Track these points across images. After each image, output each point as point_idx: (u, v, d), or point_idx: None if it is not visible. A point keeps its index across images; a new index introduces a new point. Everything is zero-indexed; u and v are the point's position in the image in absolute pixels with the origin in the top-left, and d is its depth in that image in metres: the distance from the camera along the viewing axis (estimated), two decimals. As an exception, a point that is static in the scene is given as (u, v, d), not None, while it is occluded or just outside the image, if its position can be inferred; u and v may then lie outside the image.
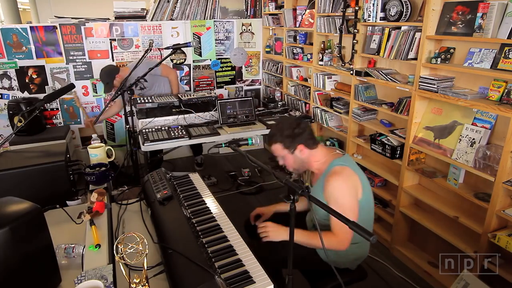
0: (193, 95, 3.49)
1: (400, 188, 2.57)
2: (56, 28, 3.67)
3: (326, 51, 3.37)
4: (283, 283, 1.27)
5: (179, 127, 3.13)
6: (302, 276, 1.81)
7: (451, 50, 2.19)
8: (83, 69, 3.87)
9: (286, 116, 1.71)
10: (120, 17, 3.90)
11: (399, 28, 2.46)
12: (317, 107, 3.53)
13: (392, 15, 2.46)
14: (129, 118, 2.77)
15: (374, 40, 2.69)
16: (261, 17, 4.48)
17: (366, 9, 2.68)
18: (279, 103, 3.95)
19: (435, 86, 2.20)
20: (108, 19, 3.96)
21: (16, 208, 1.15)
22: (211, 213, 1.62)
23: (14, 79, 3.68)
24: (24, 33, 3.59)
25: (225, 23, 4.31)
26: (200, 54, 4.28)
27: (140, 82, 2.97)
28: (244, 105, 3.41)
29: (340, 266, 1.72)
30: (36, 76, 3.74)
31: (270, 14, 4.29)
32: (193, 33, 4.19)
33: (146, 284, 1.16)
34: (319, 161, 1.72)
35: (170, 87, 3.69)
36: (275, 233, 1.64)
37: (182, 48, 4.09)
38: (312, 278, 1.77)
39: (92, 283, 1.12)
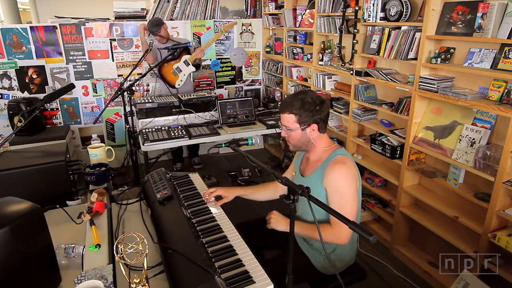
0: (193, 95, 3.49)
1: (400, 188, 2.57)
2: (56, 28, 3.67)
3: (326, 51, 3.37)
4: (283, 283, 1.27)
5: (179, 127, 3.13)
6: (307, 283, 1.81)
7: (451, 50, 2.19)
8: (83, 69, 3.87)
9: (310, 90, 1.62)
10: (120, 17, 3.90)
11: (399, 28, 2.46)
12: (317, 107, 3.53)
13: (392, 15, 2.46)
14: (129, 118, 2.77)
15: (374, 40, 2.69)
16: (261, 17, 4.48)
17: (366, 9, 2.68)
18: (279, 103, 3.95)
19: (435, 86, 2.20)
20: (108, 19, 3.96)
21: (16, 208, 1.15)
22: (211, 213, 1.62)
23: (14, 79, 3.68)
24: (24, 33, 3.59)
25: (225, 23, 4.31)
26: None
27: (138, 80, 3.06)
28: (244, 105, 3.41)
29: (338, 268, 1.71)
30: (36, 76, 3.74)
31: (270, 14, 4.29)
32: (193, 33, 4.19)
33: (146, 284, 1.16)
34: (323, 147, 1.67)
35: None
36: (276, 222, 1.62)
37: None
38: (311, 279, 1.77)
39: (92, 283, 1.12)
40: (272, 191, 1.93)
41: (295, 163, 1.87)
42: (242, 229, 1.48)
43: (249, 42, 4.52)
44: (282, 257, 1.73)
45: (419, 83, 2.30)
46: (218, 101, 3.31)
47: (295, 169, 1.84)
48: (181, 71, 3.67)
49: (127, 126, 2.79)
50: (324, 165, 1.62)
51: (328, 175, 1.57)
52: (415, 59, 2.34)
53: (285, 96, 4.09)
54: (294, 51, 3.84)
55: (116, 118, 4.13)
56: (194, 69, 3.72)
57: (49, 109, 3.88)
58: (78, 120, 4.02)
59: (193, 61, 3.66)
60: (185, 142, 3.02)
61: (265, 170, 1.38)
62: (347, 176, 1.55)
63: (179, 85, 3.70)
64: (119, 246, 1.15)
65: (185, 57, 3.65)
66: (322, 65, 3.35)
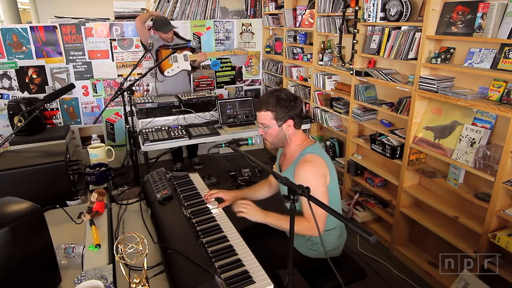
0: (193, 95, 3.49)
1: (400, 188, 2.57)
2: (56, 28, 3.67)
3: (326, 51, 3.36)
4: (282, 283, 1.27)
5: (179, 127, 3.13)
6: (301, 277, 1.81)
7: (451, 50, 2.19)
8: (83, 69, 3.87)
9: (282, 88, 1.68)
10: (120, 17, 3.90)
11: (399, 28, 2.46)
12: (317, 107, 3.53)
13: (392, 15, 2.46)
14: (129, 118, 2.77)
15: (374, 40, 2.69)
16: (261, 17, 4.48)
17: (366, 9, 2.68)
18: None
19: (435, 86, 2.20)
20: (108, 19, 3.96)
21: (16, 208, 1.15)
22: (211, 213, 1.62)
23: (14, 79, 3.68)
24: (24, 33, 3.59)
25: (225, 23, 4.31)
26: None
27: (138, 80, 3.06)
28: (244, 105, 3.41)
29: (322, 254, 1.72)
30: (36, 76, 3.74)
31: (270, 14, 4.29)
32: (193, 33, 4.19)
33: (146, 284, 1.16)
34: (296, 145, 1.72)
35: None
36: (253, 212, 1.60)
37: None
38: (311, 279, 1.77)
39: (92, 283, 1.12)
40: (267, 188, 1.97)
41: (277, 156, 1.94)
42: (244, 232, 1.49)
43: (249, 42, 4.52)
44: (266, 245, 1.75)
45: (419, 83, 2.30)
46: (218, 101, 3.31)
47: (276, 163, 1.92)
48: (176, 61, 3.64)
49: (127, 126, 2.78)
50: (295, 163, 1.67)
51: (296, 174, 1.61)
52: (415, 59, 2.34)
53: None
54: (294, 51, 3.84)
55: (116, 118, 4.13)
56: (189, 67, 3.71)
57: (49, 109, 3.88)
58: (78, 120, 4.02)
59: (192, 61, 3.66)
60: (185, 142, 3.02)
61: (265, 170, 1.38)
62: (313, 174, 1.58)
63: (168, 72, 3.64)
64: (119, 246, 1.15)
65: (187, 52, 3.65)
66: (322, 65, 3.35)
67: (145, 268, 1.16)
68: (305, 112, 3.71)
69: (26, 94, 3.74)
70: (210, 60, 4.20)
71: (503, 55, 1.87)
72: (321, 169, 1.62)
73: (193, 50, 3.70)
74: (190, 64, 3.68)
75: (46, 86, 3.79)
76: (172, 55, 3.41)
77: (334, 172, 1.70)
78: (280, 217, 1.63)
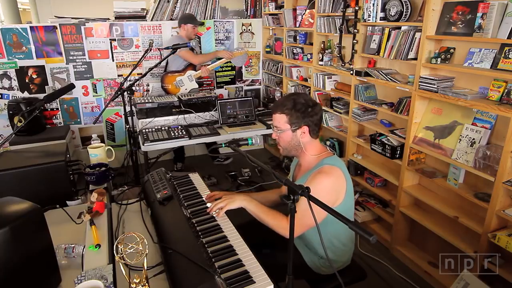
0: (193, 95, 3.49)
1: (400, 188, 2.57)
2: (56, 28, 3.67)
3: (326, 51, 3.37)
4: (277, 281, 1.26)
5: (179, 127, 3.13)
6: (305, 282, 1.80)
7: (451, 50, 2.19)
8: (83, 69, 3.87)
9: (303, 92, 1.57)
10: (120, 17, 3.90)
11: (399, 28, 2.46)
12: (317, 107, 3.53)
13: (392, 15, 2.46)
14: (129, 118, 2.77)
15: (374, 40, 2.69)
16: (261, 17, 4.48)
17: (366, 9, 2.68)
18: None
19: (435, 86, 2.20)
20: (108, 19, 3.96)
21: (16, 208, 1.15)
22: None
23: (14, 79, 3.68)
24: (24, 33, 3.59)
25: (225, 23, 4.30)
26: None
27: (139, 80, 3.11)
28: (244, 105, 3.41)
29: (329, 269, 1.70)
30: (36, 76, 3.74)
31: (270, 14, 4.29)
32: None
33: (146, 284, 1.16)
34: (313, 154, 1.63)
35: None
36: (231, 201, 1.53)
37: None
38: (312, 282, 1.77)
39: (92, 283, 1.12)
40: (275, 195, 1.90)
41: (291, 167, 1.87)
42: (242, 229, 1.48)
43: (249, 42, 4.52)
44: (276, 255, 1.71)
45: (419, 83, 2.30)
46: (218, 101, 3.31)
47: (290, 174, 1.85)
48: (183, 85, 3.74)
49: (127, 126, 2.79)
50: (309, 172, 1.59)
51: (309, 181, 1.52)
52: (415, 59, 2.34)
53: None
54: (294, 51, 3.84)
55: (116, 118, 4.14)
56: (196, 85, 3.80)
57: (49, 109, 3.88)
58: (78, 120, 4.02)
59: (197, 78, 3.75)
60: (185, 142, 3.02)
61: (265, 170, 1.37)
62: (324, 187, 1.48)
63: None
64: (119, 246, 1.15)
65: (190, 72, 3.73)
66: (322, 65, 3.35)
67: (145, 268, 1.16)
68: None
69: (26, 94, 3.74)
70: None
71: (503, 55, 1.87)
72: (336, 184, 1.52)
73: (194, 67, 3.78)
74: (196, 81, 3.77)
75: (46, 86, 3.79)
76: (177, 81, 3.69)
77: (351, 188, 1.60)
78: (263, 207, 1.56)
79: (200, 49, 4.17)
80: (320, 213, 1.36)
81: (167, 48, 3.07)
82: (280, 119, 1.59)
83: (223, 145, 1.66)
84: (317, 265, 1.69)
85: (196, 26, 3.73)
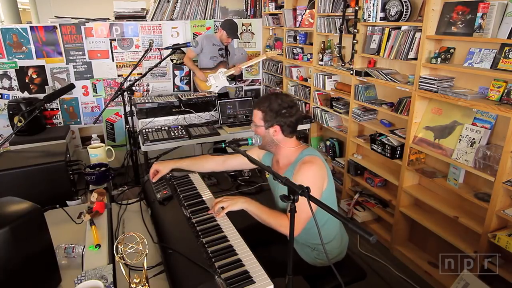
0: (193, 95, 3.49)
1: (400, 188, 2.57)
2: (56, 28, 3.67)
3: (326, 51, 3.37)
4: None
5: (179, 127, 3.13)
6: (301, 277, 1.81)
7: (451, 50, 2.19)
8: (83, 69, 3.87)
9: (287, 94, 1.66)
10: (120, 17, 3.90)
11: (399, 28, 2.46)
12: (317, 107, 3.53)
13: (392, 15, 2.46)
14: (129, 118, 2.77)
15: (374, 40, 2.69)
16: (261, 17, 4.48)
17: (366, 9, 2.68)
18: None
19: (435, 86, 2.20)
20: (108, 19, 3.96)
21: (16, 208, 1.15)
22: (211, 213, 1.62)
23: (14, 79, 3.68)
24: (24, 33, 3.59)
25: (273, 50, 4.27)
26: (197, 54, 4.28)
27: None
28: (244, 105, 3.41)
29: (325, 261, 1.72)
30: (36, 76, 3.74)
31: (270, 14, 4.29)
32: (193, 33, 4.19)
33: (146, 284, 1.16)
34: (291, 147, 1.70)
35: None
36: (233, 203, 1.57)
37: (182, 48, 4.10)
38: (311, 279, 1.77)
39: (92, 283, 1.12)
40: (213, 163, 1.94)
41: (262, 160, 1.89)
42: (241, 231, 1.48)
43: (249, 42, 4.52)
44: (270, 250, 1.75)
45: (419, 83, 2.30)
46: (218, 101, 3.31)
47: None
48: (214, 82, 3.76)
49: (127, 126, 2.79)
50: (293, 165, 1.65)
51: (296, 174, 1.58)
52: (415, 59, 2.34)
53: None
54: (294, 51, 3.84)
55: (116, 118, 4.13)
56: (227, 83, 3.82)
57: (49, 109, 3.88)
58: (78, 120, 4.02)
59: (229, 75, 3.78)
60: (185, 142, 3.02)
61: (265, 170, 1.38)
62: (312, 175, 1.56)
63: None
64: (119, 246, 1.15)
65: (221, 70, 3.75)
66: (322, 65, 3.35)
67: (145, 268, 1.16)
68: (305, 112, 3.71)
69: (26, 94, 3.74)
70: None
71: (503, 55, 1.87)
72: (321, 171, 1.61)
73: (225, 65, 3.79)
74: (227, 79, 3.79)
75: (46, 86, 3.79)
76: (209, 77, 3.74)
77: (331, 178, 1.69)
78: (264, 208, 1.60)
79: (228, 55, 4.00)
80: (303, 204, 1.43)
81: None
82: (256, 115, 1.68)
83: (223, 145, 1.66)
84: (312, 257, 1.72)
85: (229, 37, 3.70)
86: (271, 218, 1.56)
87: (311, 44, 3.51)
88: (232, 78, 3.86)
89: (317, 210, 1.11)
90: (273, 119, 1.63)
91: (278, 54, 3.89)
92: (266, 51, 3.93)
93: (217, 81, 3.76)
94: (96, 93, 3.99)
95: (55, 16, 3.79)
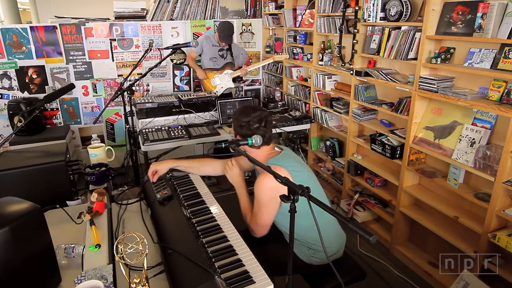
0: (193, 95, 3.49)
1: (400, 188, 2.57)
2: (56, 28, 3.67)
3: (326, 51, 3.37)
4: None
5: (179, 127, 3.13)
6: (301, 277, 1.81)
7: (451, 50, 2.19)
8: (83, 69, 3.87)
9: (252, 107, 1.73)
10: (120, 17, 3.90)
11: (399, 28, 2.46)
12: (317, 107, 3.53)
13: (392, 15, 2.46)
14: (129, 118, 2.77)
15: (374, 40, 2.69)
16: (261, 17, 4.48)
17: (366, 9, 2.68)
18: (279, 103, 3.95)
19: (435, 86, 2.20)
20: (108, 19, 3.96)
21: (16, 208, 1.15)
22: (211, 213, 1.62)
23: (14, 79, 3.68)
24: (24, 33, 3.59)
25: (279, 54, 4.27)
26: (200, 54, 4.28)
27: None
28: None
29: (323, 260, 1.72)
30: (36, 76, 3.74)
31: (270, 14, 4.29)
32: (193, 33, 4.19)
33: (146, 284, 1.16)
34: (260, 154, 1.76)
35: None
36: (233, 175, 1.78)
37: (182, 48, 4.11)
38: (310, 278, 1.77)
39: (92, 283, 1.12)
40: (210, 168, 2.02)
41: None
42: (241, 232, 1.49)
43: (249, 42, 4.52)
44: (267, 249, 1.76)
45: (419, 83, 2.30)
46: (218, 101, 3.31)
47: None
48: (219, 82, 3.78)
49: (127, 126, 2.79)
50: (260, 172, 1.73)
51: (256, 182, 1.64)
52: (415, 59, 2.34)
53: (285, 96, 4.09)
54: (294, 51, 3.84)
55: (116, 118, 4.13)
56: (233, 85, 3.82)
57: (49, 109, 3.88)
58: (78, 120, 4.02)
59: (235, 76, 3.79)
60: (185, 142, 3.02)
61: (264, 170, 1.38)
62: (263, 186, 1.60)
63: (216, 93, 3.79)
64: (119, 246, 1.15)
65: (227, 71, 3.76)
66: (322, 65, 3.35)
67: (145, 268, 1.16)
68: (305, 112, 3.71)
69: (26, 94, 3.74)
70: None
71: (503, 55, 1.87)
72: (275, 182, 1.55)
73: (232, 66, 3.82)
74: (233, 80, 3.80)
75: (46, 86, 3.79)
76: (214, 78, 3.77)
77: (305, 175, 1.70)
78: (248, 202, 1.74)
79: (232, 56, 3.98)
80: (275, 204, 1.61)
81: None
82: (232, 124, 1.81)
83: (223, 145, 1.66)
84: (308, 255, 1.72)
85: (221, 41, 3.68)
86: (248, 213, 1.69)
87: (311, 44, 3.51)
88: (233, 79, 3.86)
89: (307, 210, 1.10)
90: (235, 129, 1.77)
91: (286, 59, 3.87)
92: (278, 53, 3.94)
93: (222, 82, 3.77)
94: (96, 93, 3.99)
95: (55, 16, 3.79)
